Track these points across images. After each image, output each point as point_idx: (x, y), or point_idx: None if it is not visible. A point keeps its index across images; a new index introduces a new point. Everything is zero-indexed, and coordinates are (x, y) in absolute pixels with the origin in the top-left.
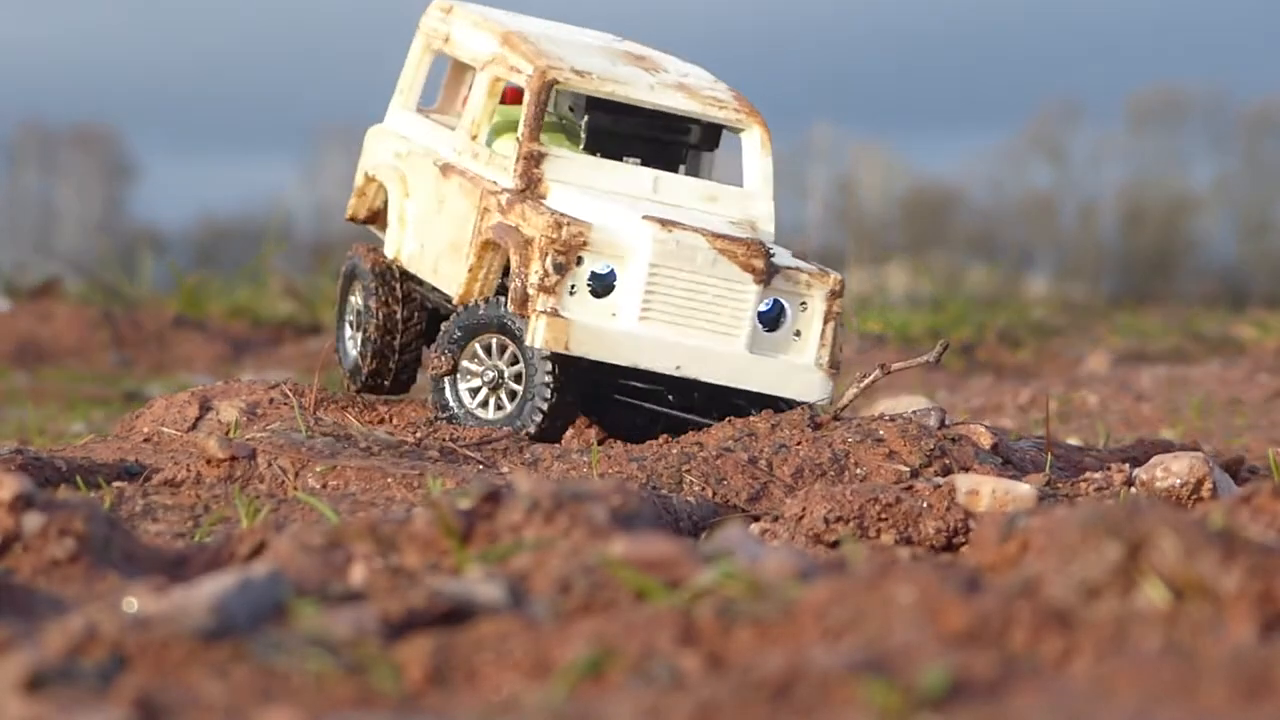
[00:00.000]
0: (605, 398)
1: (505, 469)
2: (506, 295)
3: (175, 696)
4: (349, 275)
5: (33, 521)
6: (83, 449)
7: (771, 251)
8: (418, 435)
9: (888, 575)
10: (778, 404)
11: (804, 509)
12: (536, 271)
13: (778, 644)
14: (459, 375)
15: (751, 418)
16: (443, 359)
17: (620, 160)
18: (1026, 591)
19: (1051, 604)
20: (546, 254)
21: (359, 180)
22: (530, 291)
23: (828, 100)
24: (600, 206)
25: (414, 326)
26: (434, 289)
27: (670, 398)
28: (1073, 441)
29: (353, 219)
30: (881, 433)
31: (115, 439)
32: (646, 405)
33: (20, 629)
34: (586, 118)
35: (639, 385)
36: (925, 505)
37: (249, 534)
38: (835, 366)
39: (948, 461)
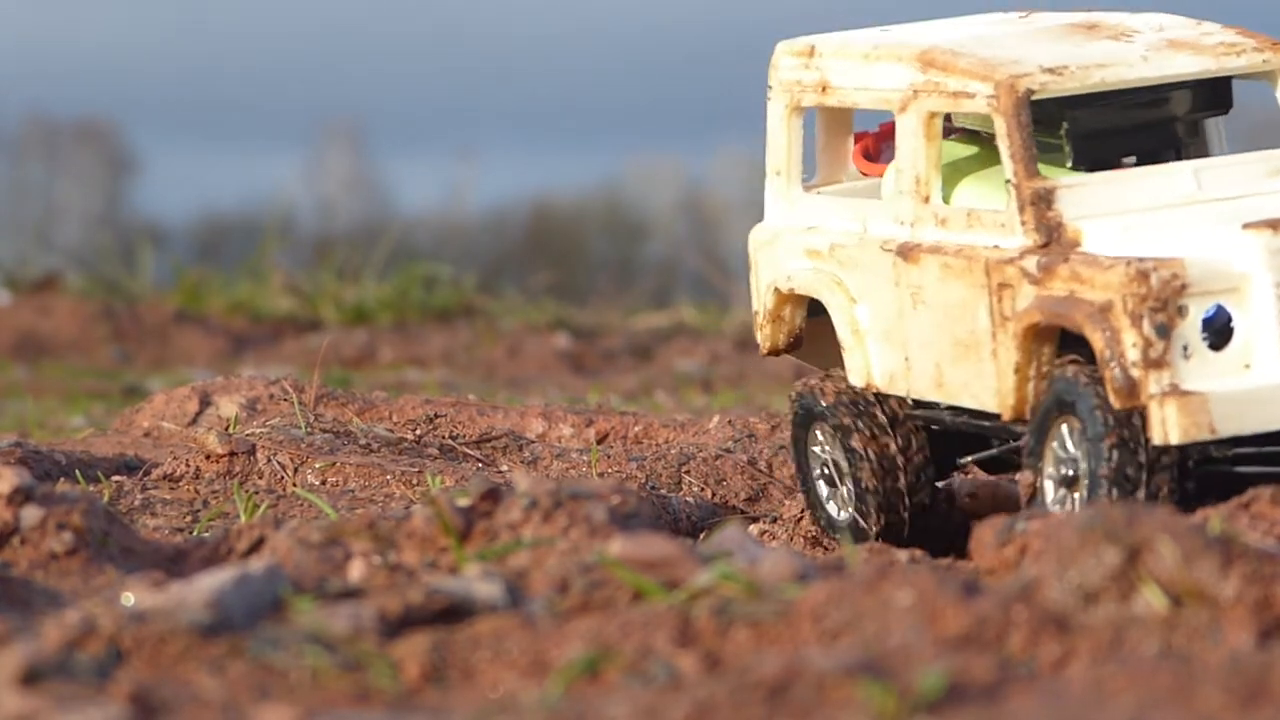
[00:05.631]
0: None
1: (505, 467)
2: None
3: (172, 692)
4: (804, 419)
5: (31, 515)
6: (82, 443)
7: None
8: (417, 432)
9: (886, 578)
10: None
11: (803, 511)
12: (1134, 345)
13: (775, 645)
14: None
15: (751, 419)
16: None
17: (1117, 167)
18: (1024, 595)
19: (1049, 608)
20: (1140, 317)
21: (767, 301)
22: (1135, 375)
23: None
24: (1169, 231)
25: (917, 460)
26: (947, 408)
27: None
28: None
29: (773, 352)
30: None
31: (115, 433)
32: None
33: (17, 623)
34: (1065, 124)
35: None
36: None
37: (247, 529)
38: None
39: None
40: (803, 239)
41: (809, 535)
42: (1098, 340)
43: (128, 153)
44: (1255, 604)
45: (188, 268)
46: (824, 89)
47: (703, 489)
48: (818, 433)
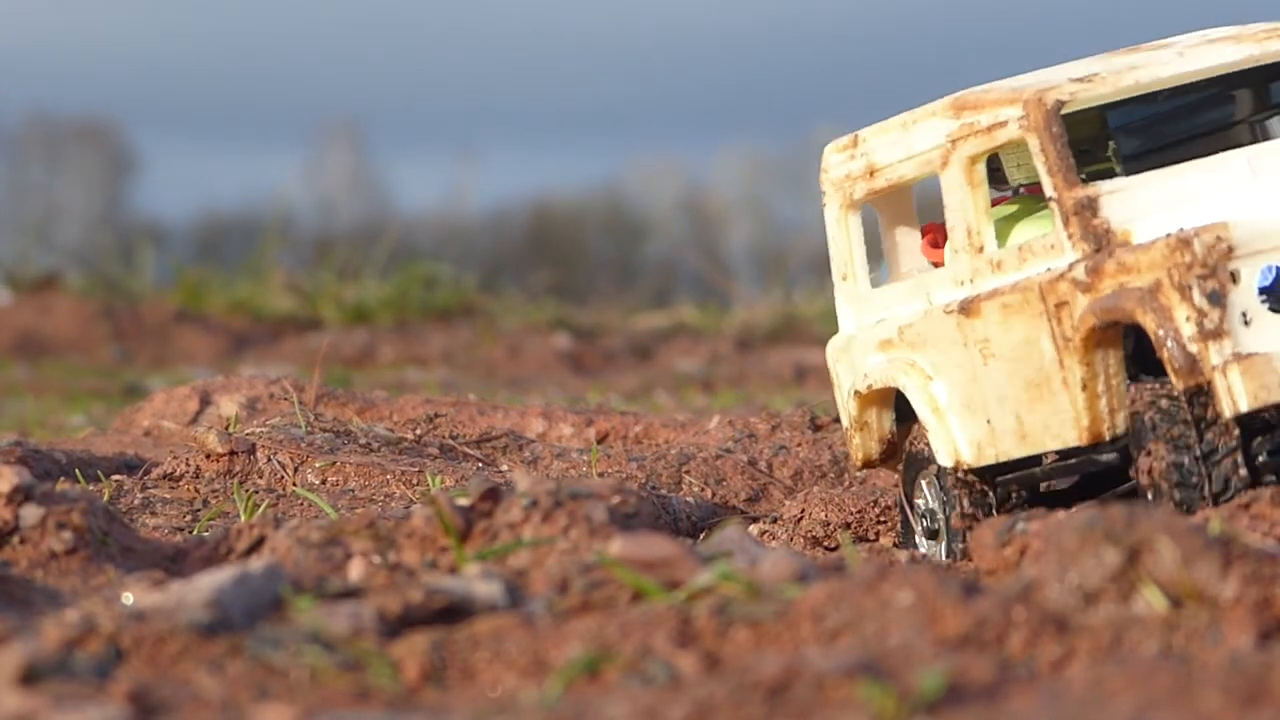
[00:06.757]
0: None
1: (504, 467)
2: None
3: (171, 691)
4: (916, 463)
5: (31, 514)
6: (82, 442)
7: None
8: (417, 432)
9: (886, 578)
10: None
11: (803, 511)
12: (1188, 318)
13: (775, 645)
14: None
15: (751, 419)
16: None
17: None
18: (1024, 596)
19: (1049, 609)
20: (1189, 288)
21: (851, 409)
22: (1193, 349)
23: (829, 102)
24: (1220, 210)
25: None
26: (1032, 464)
27: None
28: None
29: (868, 464)
30: None
31: (115, 432)
32: None
33: (17, 622)
34: (1111, 134)
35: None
36: None
37: (247, 529)
38: None
39: None
40: (874, 333)
41: (809, 535)
42: (1149, 322)
43: (128, 153)
44: (1255, 604)
45: (188, 267)
46: (871, 173)
47: (703, 489)
48: (923, 482)
